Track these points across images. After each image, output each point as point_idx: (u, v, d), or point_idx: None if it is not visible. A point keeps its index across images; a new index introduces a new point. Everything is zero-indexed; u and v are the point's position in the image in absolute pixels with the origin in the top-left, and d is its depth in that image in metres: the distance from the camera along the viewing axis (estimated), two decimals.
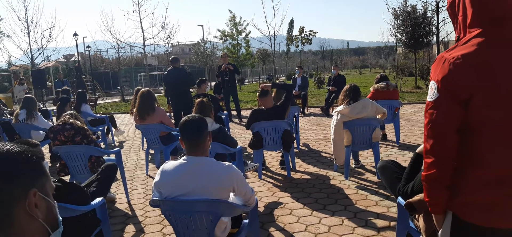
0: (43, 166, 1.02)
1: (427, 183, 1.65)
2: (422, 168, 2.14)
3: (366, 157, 6.02)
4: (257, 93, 5.47)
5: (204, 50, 29.22)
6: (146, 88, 6.06)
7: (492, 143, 1.51)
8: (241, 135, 8.62)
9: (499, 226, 1.54)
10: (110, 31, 22.34)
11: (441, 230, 1.69)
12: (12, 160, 0.95)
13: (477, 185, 1.56)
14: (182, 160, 2.46)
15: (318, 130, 8.75)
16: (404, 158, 5.91)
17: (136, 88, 8.25)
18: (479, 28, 1.53)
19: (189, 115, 2.56)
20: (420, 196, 2.13)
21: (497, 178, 1.51)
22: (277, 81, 8.03)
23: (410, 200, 2.02)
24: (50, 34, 20.31)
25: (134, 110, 5.92)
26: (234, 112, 11.49)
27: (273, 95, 5.70)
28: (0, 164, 0.94)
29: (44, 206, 0.98)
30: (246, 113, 12.02)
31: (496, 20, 1.51)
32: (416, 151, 2.51)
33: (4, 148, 0.96)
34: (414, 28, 18.17)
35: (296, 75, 12.16)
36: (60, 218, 1.03)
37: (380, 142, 5.61)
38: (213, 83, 23.40)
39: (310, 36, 35.79)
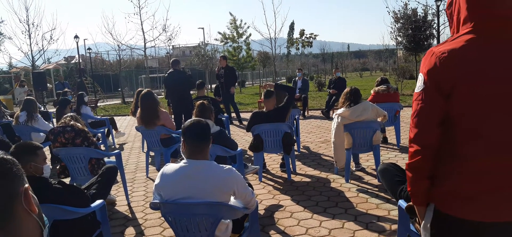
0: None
1: (410, 172, 1.70)
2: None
3: (367, 160, 6.01)
4: (262, 94, 5.47)
5: (204, 52, 29.25)
6: (147, 89, 5.92)
7: (469, 136, 1.56)
8: (242, 138, 8.62)
9: (478, 219, 1.56)
10: (111, 33, 22.46)
11: (422, 222, 1.71)
12: (2, 159, 0.95)
13: (455, 177, 1.59)
14: (182, 163, 2.44)
15: (318, 133, 8.74)
16: (404, 161, 5.88)
17: (138, 89, 8.25)
18: (470, 25, 1.58)
19: (194, 119, 2.55)
20: None
21: (475, 170, 1.55)
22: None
23: (410, 203, 2.01)
24: (51, 36, 20.31)
25: (138, 116, 5.84)
26: (234, 115, 11.50)
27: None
28: None
29: (36, 202, 0.99)
30: (246, 115, 12.01)
31: (486, 17, 1.56)
32: None
33: None
34: (415, 31, 18.19)
35: (297, 78, 12.18)
36: (46, 218, 1.03)
37: (380, 145, 5.60)
38: (213, 86, 23.45)
39: (311, 39, 35.89)
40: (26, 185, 0.97)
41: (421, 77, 1.64)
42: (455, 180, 1.59)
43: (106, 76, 32.43)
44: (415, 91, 1.68)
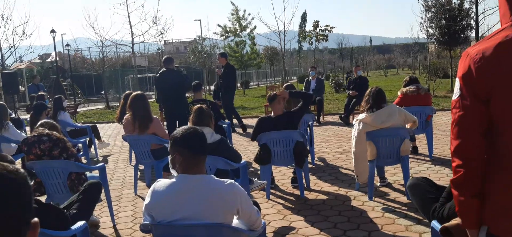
0: None
1: (455, 189, 1.73)
2: None
3: (394, 173, 6.00)
4: (267, 97, 5.51)
5: (202, 48, 29.38)
6: (139, 92, 6.07)
7: None
8: (246, 148, 8.63)
9: None
10: (93, 27, 22.65)
11: None
12: (20, 184, 1.00)
13: (507, 193, 1.60)
14: (176, 178, 2.45)
15: (336, 142, 8.74)
16: (438, 175, 5.88)
17: (126, 92, 8.32)
18: (508, 21, 1.61)
19: (189, 127, 2.55)
20: (459, 219, 2.11)
21: None
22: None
23: (446, 224, 2.00)
24: (23, 31, 20.51)
25: (126, 121, 5.93)
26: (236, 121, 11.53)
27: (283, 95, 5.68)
28: (11, 186, 0.97)
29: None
30: (251, 121, 12.04)
31: None
32: None
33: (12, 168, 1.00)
34: (449, 22, 18.15)
35: (310, 78, 12.22)
36: None
37: (410, 156, 5.58)
38: (212, 87, 23.51)
39: (326, 31, 35.92)
40: (36, 219, 1.02)
41: (457, 83, 1.68)
42: (507, 197, 1.61)
43: (87, 77, 32.66)
44: (453, 98, 1.72)
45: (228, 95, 10.99)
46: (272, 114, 5.48)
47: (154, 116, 5.85)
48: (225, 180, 2.46)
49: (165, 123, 8.61)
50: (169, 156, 2.50)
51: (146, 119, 5.70)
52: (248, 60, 31.74)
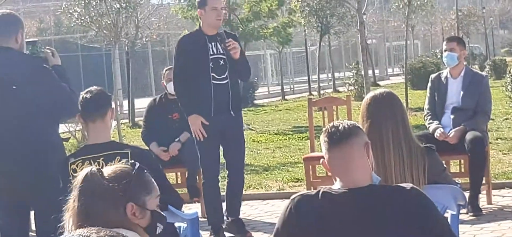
0: None
1: None
2: None
3: None
4: (323, 136, 2.69)
5: None
6: None
7: None
8: None
9: None
10: None
11: None
12: None
13: None
14: None
15: None
16: None
17: None
18: None
19: None
20: None
21: None
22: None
23: None
24: None
25: None
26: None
27: (366, 129, 2.99)
28: None
29: None
30: (265, 211, 8.55)
31: None
32: None
33: None
34: None
35: (445, 72, 6.32)
36: None
37: None
38: (146, 101, 10.38)
39: None
40: None
41: None
42: None
43: None
44: None
45: (238, 114, 6.17)
46: (335, 187, 2.71)
47: None
48: None
49: None
50: None
51: None
52: (252, 20, 16.58)
